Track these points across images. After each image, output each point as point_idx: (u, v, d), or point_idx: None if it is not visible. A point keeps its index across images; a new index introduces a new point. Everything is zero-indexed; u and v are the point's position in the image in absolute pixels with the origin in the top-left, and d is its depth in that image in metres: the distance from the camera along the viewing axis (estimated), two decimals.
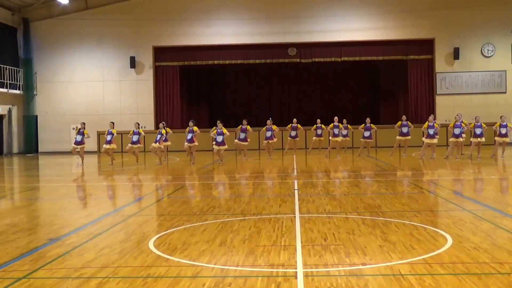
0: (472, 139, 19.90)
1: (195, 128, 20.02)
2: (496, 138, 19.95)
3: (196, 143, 20.02)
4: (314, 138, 23.92)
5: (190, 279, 5.47)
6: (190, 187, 13.82)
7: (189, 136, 19.91)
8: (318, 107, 32.76)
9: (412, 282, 5.18)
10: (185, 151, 21.39)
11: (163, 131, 20.52)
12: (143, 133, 20.65)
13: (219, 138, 20.09)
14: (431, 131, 19.89)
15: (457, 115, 20.40)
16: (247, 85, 34.63)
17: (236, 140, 21.36)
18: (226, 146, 20.35)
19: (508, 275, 5.41)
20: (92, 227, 8.25)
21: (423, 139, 20.35)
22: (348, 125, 23.10)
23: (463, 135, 20.21)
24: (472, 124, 19.92)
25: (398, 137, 21.62)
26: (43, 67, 30.45)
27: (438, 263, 5.84)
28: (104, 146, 20.37)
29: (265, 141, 22.18)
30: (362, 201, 10.22)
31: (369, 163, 19.65)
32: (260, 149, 26.82)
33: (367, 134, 21.89)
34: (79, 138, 20.49)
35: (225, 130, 20.13)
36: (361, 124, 22.59)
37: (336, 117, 22.29)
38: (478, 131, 19.64)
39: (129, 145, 20.28)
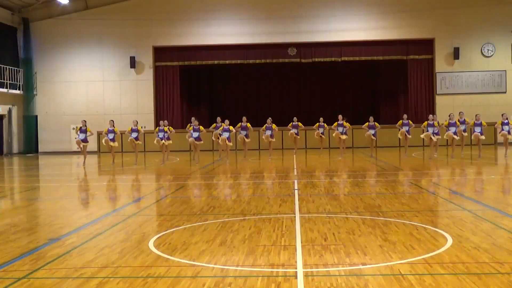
0: (472, 137, 20.00)
1: (202, 128, 20.56)
2: (501, 134, 19.84)
3: (202, 142, 20.75)
4: (316, 136, 23.81)
5: (190, 279, 5.48)
6: (190, 187, 13.82)
7: (197, 134, 20.18)
8: (318, 107, 32.69)
9: (412, 282, 5.18)
10: (190, 150, 21.56)
11: (166, 129, 20.60)
12: (142, 131, 20.90)
13: (226, 135, 20.37)
14: (430, 130, 19.88)
15: (449, 114, 20.56)
16: (247, 85, 34.59)
17: (239, 136, 21.51)
18: (231, 144, 20.59)
19: (508, 274, 5.41)
20: (92, 227, 8.25)
21: (422, 136, 20.30)
22: (348, 124, 22.94)
23: (459, 132, 20.15)
24: (472, 122, 19.96)
25: (400, 130, 21.75)
26: (43, 67, 30.45)
27: (438, 263, 5.84)
28: (105, 139, 20.35)
29: (265, 137, 22.08)
30: (362, 201, 10.21)
31: (369, 163, 19.65)
32: (260, 149, 26.82)
33: (372, 132, 21.84)
34: (82, 136, 20.50)
35: (231, 128, 20.60)
36: (361, 124, 22.57)
37: (340, 115, 22.47)
38: (477, 129, 19.65)
39: (130, 138, 20.42)
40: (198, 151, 20.84)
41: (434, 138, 19.93)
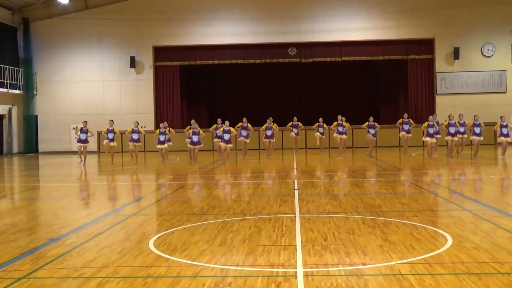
0: (471, 138, 20.03)
1: (202, 132, 20.59)
2: (499, 139, 19.96)
3: (202, 145, 20.81)
4: (316, 134, 23.76)
5: (190, 279, 5.48)
6: (190, 187, 13.82)
7: (196, 138, 20.19)
8: (318, 107, 32.71)
9: (412, 282, 5.18)
10: (188, 151, 21.49)
11: (167, 131, 20.58)
12: (143, 132, 20.87)
13: (226, 136, 20.26)
14: (431, 130, 19.88)
15: (449, 115, 20.66)
16: (247, 85, 34.60)
17: (239, 138, 21.50)
18: (231, 145, 20.57)
19: (508, 274, 5.41)
20: (92, 227, 8.25)
21: (423, 138, 20.36)
22: (348, 124, 22.99)
23: (459, 135, 20.19)
24: (471, 123, 19.98)
25: (401, 133, 21.80)
26: (43, 67, 30.45)
27: (438, 263, 5.84)
28: (106, 141, 20.35)
29: (266, 140, 22.25)
30: (362, 201, 10.21)
31: (369, 163, 19.65)
32: (260, 149, 26.82)
33: (372, 132, 21.86)
34: (83, 136, 20.51)
35: (232, 129, 20.47)
36: (361, 124, 22.61)
37: (340, 115, 22.54)
38: (477, 130, 19.67)
39: (130, 143, 20.38)
40: (197, 153, 20.75)
41: (434, 140, 19.94)
